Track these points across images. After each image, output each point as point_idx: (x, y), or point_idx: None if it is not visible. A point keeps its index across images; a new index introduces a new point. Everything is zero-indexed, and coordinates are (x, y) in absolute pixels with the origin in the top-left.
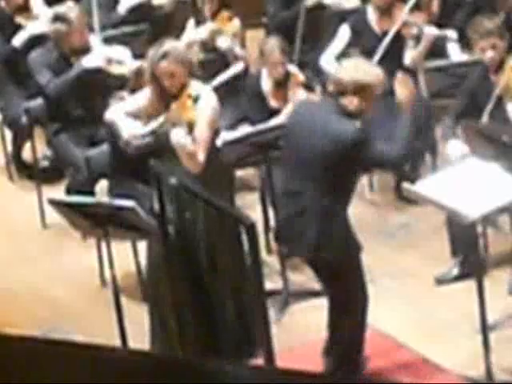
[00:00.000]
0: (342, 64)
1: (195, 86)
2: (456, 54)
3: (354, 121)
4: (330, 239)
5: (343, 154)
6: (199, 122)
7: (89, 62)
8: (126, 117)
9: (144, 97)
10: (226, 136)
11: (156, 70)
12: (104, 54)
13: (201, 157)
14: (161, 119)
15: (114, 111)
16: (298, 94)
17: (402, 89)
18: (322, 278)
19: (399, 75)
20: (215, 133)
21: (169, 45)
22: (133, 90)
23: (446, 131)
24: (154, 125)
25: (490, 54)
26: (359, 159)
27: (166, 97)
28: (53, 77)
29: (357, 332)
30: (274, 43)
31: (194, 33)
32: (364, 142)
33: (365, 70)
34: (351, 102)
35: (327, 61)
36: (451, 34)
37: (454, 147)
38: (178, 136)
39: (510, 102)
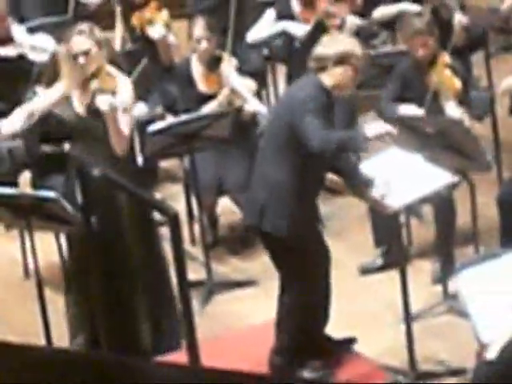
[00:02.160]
0: (321, 40)
1: (113, 71)
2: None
3: (323, 91)
4: (293, 218)
5: (296, 107)
6: (123, 101)
7: (5, 51)
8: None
9: (61, 86)
10: (150, 126)
11: (71, 46)
12: (27, 42)
13: (126, 137)
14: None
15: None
16: (232, 78)
17: None
18: (277, 259)
19: None
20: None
21: (85, 24)
22: (50, 79)
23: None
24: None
25: (421, 52)
26: (296, 121)
27: (80, 76)
28: None
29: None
30: (198, 19)
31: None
32: (317, 102)
33: (344, 40)
34: (333, 75)
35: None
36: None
37: (451, 107)
38: (105, 101)
39: (444, 97)
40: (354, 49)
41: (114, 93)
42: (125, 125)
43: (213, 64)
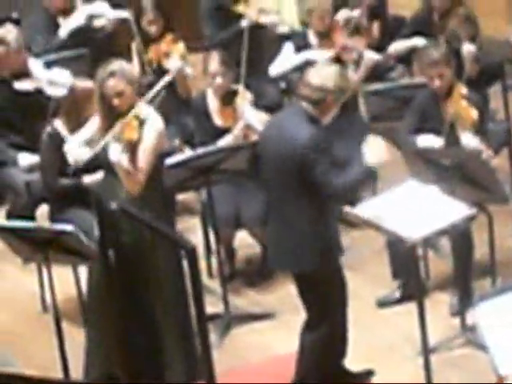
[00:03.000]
0: (320, 71)
1: (144, 109)
2: None
3: (316, 124)
4: (311, 248)
5: (302, 157)
6: (144, 143)
7: (22, 85)
8: (77, 145)
9: (96, 121)
10: (167, 160)
11: (104, 88)
12: (44, 77)
13: (140, 178)
14: (102, 141)
15: (71, 143)
16: (247, 112)
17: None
18: (307, 294)
19: None
20: (159, 157)
21: (116, 63)
22: (68, 113)
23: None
24: (96, 148)
25: (437, 83)
26: (306, 170)
27: (114, 117)
28: None
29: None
30: (214, 54)
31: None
32: (319, 145)
33: (340, 74)
34: (327, 109)
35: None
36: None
37: (468, 138)
38: (114, 152)
39: (461, 128)
40: (349, 83)
41: (141, 122)
42: (143, 163)
43: (228, 98)
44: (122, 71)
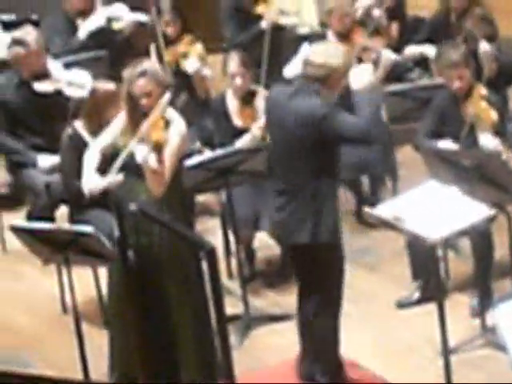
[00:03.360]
0: (324, 49)
1: (169, 112)
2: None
3: (321, 99)
4: (326, 224)
5: (316, 130)
6: (169, 145)
7: (42, 86)
8: (92, 168)
9: (120, 121)
10: (186, 161)
11: (133, 88)
12: (64, 78)
13: (165, 179)
14: (131, 144)
15: (89, 156)
16: None
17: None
18: (306, 270)
19: None
20: (181, 159)
21: (147, 64)
22: (89, 115)
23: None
24: (110, 178)
25: (457, 84)
26: (332, 133)
27: (140, 117)
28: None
29: (331, 333)
30: (233, 55)
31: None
32: (332, 112)
33: (345, 53)
34: (336, 87)
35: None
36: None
37: (487, 138)
38: (140, 154)
39: (480, 130)
40: (352, 60)
41: (167, 124)
42: (168, 165)
43: (247, 98)
44: (152, 72)
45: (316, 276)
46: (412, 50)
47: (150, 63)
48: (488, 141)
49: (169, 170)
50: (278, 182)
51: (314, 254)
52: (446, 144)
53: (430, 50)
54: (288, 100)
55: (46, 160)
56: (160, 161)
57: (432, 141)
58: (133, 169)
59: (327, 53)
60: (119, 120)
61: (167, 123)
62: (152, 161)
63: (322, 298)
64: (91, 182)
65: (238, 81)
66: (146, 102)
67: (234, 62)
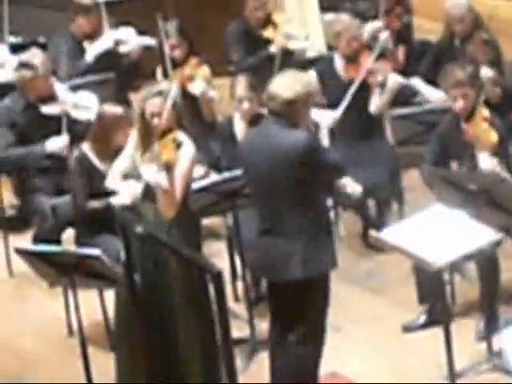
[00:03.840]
0: (279, 82)
1: (179, 135)
2: (429, 91)
3: (300, 130)
4: (316, 258)
5: (300, 162)
6: (179, 166)
7: (51, 109)
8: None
9: (132, 144)
10: (193, 184)
11: (147, 107)
12: (70, 100)
13: (177, 200)
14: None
15: (112, 179)
16: None
17: None
18: (292, 307)
19: None
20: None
21: (164, 84)
22: (96, 138)
23: (426, 177)
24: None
25: (460, 104)
26: (316, 165)
27: (151, 138)
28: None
29: (313, 364)
30: (241, 79)
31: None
32: (315, 144)
33: (303, 80)
34: (300, 115)
35: None
36: (416, 81)
37: (485, 159)
38: (149, 174)
39: (479, 151)
40: (314, 87)
41: (178, 146)
42: (179, 186)
43: (255, 122)
44: (168, 92)
45: (303, 309)
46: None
47: (167, 84)
48: (486, 161)
49: (179, 191)
50: (261, 222)
51: (303, 288)
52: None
53: (417, 82)
54: (265, 138)
55: (54, 143)
56: (171, 181)
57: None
58: (142, 190)
59: (284, 86)
60: (131, 143)
61: (179, 145)
62: (163, 179)
63: (308, 328)
64: (130, 187)
65: (246, 105)
66: (159, 122)
67: (241, 85)
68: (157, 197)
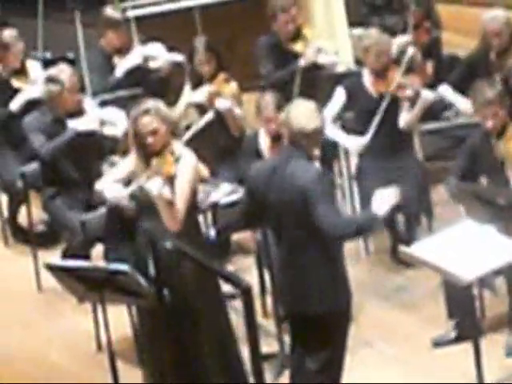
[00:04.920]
0: (300, 112)
1: (177, 147)
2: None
3: (313, 163)
4: (332, 289)
5: (307, 193)
6: (180, 179)
7: (82, 124)
8: (111, 183)
9: (132, 159)
10: (221, 200)
11: (138, 126)
12: (97, 116)
13: (180, 214)
14: (141, 179)
15: (104, 181)
16: None
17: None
18: (311, 336)
19: None
20: (194, 193)
21: (151, 102)
22: (124, 153)
23: (452, 190)
24: (133, 186)
25: (491, 122)
26: (309, 200)
27: (148, 155)
28: (47, 140)
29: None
30: (268, 98)
31: (191, 95)
32: (325, 182)
33: (319, 113)
34: (315, 148)
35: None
36: (443, 89)
37: None
38: (155, 187)
39: (510, 167)
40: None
41: (177, 159)
42: (180, 199)
43: (279, 138)
44: (156, 109)
45: (322, 339)
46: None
47: (155, 101)
48: None
49: (182, 203)
50: (277, 251)
51: (321, 321)
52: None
53: (453, 97)
54: (281, 168)
55: (81, 124)
56: (172, 195)
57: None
58: (151, 208)
59: (305, 116)
60: (130, 160)
61: (177, 159)
62: (166, 192)
63: (327, 357)
64: (114, 188)
65: (274, 126)
66: (153, 141)
67: (269, 106)
68: (160, 212)
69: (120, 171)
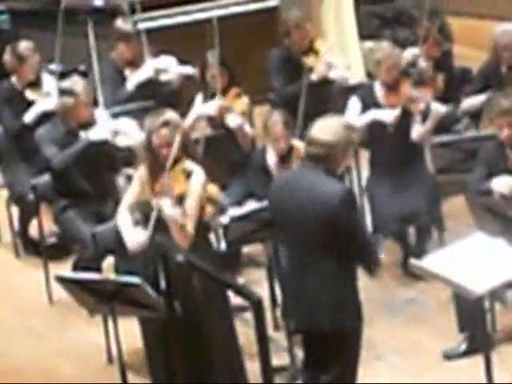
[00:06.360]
0: (321, 125)
1: (188, 163)
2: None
3: (339, 180)
4: (343, 308)
5: (334, 214)
6: (190, 197)
7: (95, 133)
8: (129, 225)
9: (141, 174)
10: (232, 212)
11: (155, 137)
12: (110, 127)
13: (190, 230)
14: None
15: (121, 217)
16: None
17: None
18: (322, 352)
19: None
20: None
21: (170, 113)
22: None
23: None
24: (151, 227)
25: (506, 132)
26: (348, 220)
27: (159, 169)
28: (59, 151)
29: None
30: (276, 117)
31: (202, 107)
32: (352, 200)
33: (345, 126)
34: (338, 161)
35: None
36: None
37: (501, 183)
38: (166, 207)
39: None
40: (354, 134)
41: (187, 175)
42: (190, 220)
43: (287, 154)
44: (175, 122)
45: (333, 355)
46: (474, 101)
47: (173, 113)
48: None
49: (192, 221)
50: (288, 264)
51: (332, 339)
52: (502, 181)
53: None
54: (300, 182)
55: (92, 133)
56: (183, 212)
57: (485, 183)
58: (161, 224)
59: (327, 129)
60: (137, 176)
61: (188, 175)
62: (177, 214)
63: (339, 372)
64: (135, 236)
65: (282, 143)
66: (166, 152)
67: (278, 125)
68: (170, 229)
69: (132, 193)
